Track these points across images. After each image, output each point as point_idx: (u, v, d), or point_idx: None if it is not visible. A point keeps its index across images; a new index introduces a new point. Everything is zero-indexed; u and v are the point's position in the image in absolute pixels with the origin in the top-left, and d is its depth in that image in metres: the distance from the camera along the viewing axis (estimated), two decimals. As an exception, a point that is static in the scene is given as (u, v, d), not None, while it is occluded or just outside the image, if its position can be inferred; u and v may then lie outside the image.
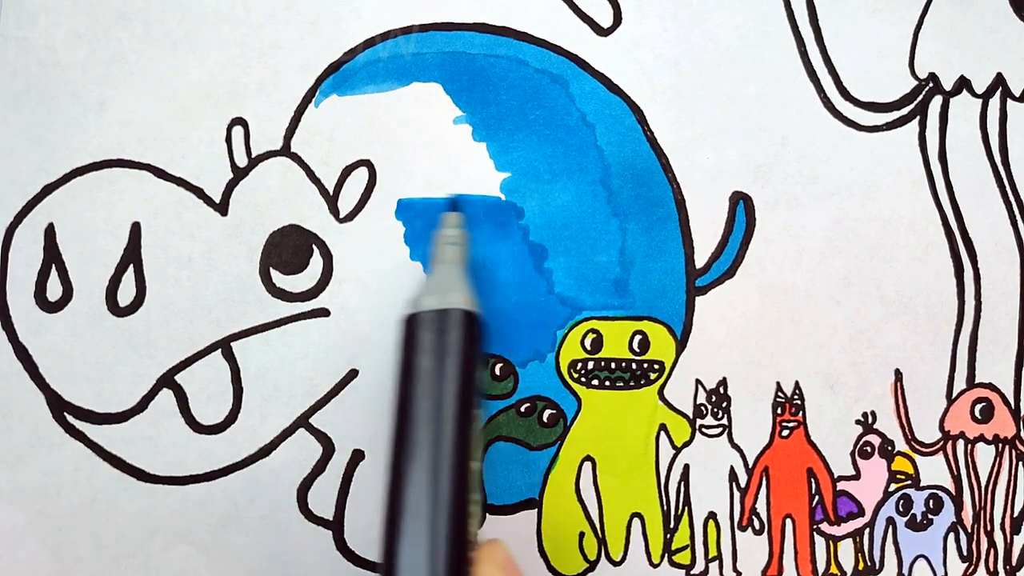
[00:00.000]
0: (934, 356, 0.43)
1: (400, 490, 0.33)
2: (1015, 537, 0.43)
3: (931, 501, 0.42)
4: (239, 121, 0.40)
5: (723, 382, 0.41)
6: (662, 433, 0.41)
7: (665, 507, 0.41)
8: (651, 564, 0.41)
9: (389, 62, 0.41)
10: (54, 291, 0.39)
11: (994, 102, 0.43)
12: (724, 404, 0.41)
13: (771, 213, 0.42)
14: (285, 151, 0.40)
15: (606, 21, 0.42)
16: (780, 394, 0.42)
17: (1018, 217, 0.43)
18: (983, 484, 0.43)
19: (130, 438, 0.39)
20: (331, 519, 0.39)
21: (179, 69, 0.40)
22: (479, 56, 0.41)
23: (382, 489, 0.34)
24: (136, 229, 0.40)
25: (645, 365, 0.41)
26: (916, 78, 0.43)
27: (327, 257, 0.40)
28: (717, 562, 0.41)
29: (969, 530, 0.43)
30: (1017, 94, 0.44)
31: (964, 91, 0.43)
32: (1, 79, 0.39)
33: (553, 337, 0.41)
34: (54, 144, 0.39)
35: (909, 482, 0.42)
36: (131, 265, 0.39)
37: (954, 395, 0.43)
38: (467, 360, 0.35)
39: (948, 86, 0.43)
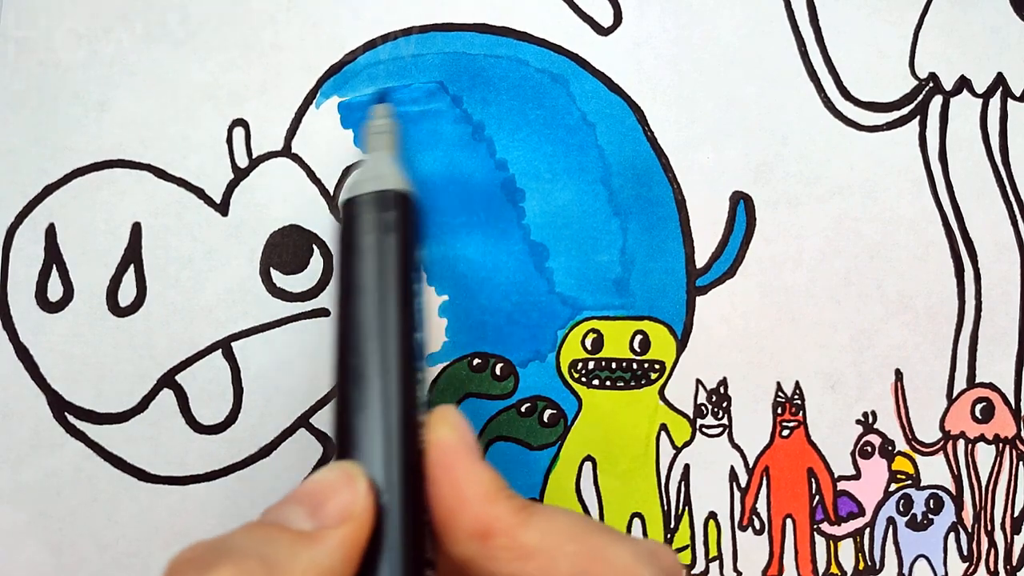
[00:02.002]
0: (934, 356, 0.43)
1: (348, 360, 0.33)
2: (1015, 537, 0.43)
3: (931, 501, 0.42)
4: (240, 122, 0.40)
5: (723, 382, 0.42)
6: (662, 433, 0.41)
7: (665, 507, 0.41)
8: (652, 564, 0.41)
9: (390, 63, 0.41)
10: (55, 291, 0.39)
11: (994, 102, 0.43)
12: (724, 404, 0.41)
13: (771, 213, 0.42)
14: (286, 152, 0.40)
15: (606, 21, 0.42)
16: (780, 394, 0.42)
17: (1018, 217, 0.43)
18: (983, 484, 0.43)
19: (131, 438, 0.39)
20: (331, 519, 0.39)
21: (180, 70, 0.40)
22: (479, 56, 0.41)
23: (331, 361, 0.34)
24: (137, 229, 0.40)
25: (646, 365, 0.41)
26: (916, 78, 0.43)
27: (327, 257, 0.40)
28: (717, 562, 0.41)
29: (969, 530, 0.43)
30: (1017, 94, 0.44)
31: (964, 91, 0.43)
32: (1, 79, 0.39)
33: (554, 337, 0.41)
34: (55, 144, 0.39)
35: (909, 482, 0.42)
36: (132, 265, 0.39)
37: (954, 395, 0.43)
38: (406, 236, 0.35)
39: (948, 86, 0.43)
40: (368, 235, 0.35)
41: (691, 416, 0.41)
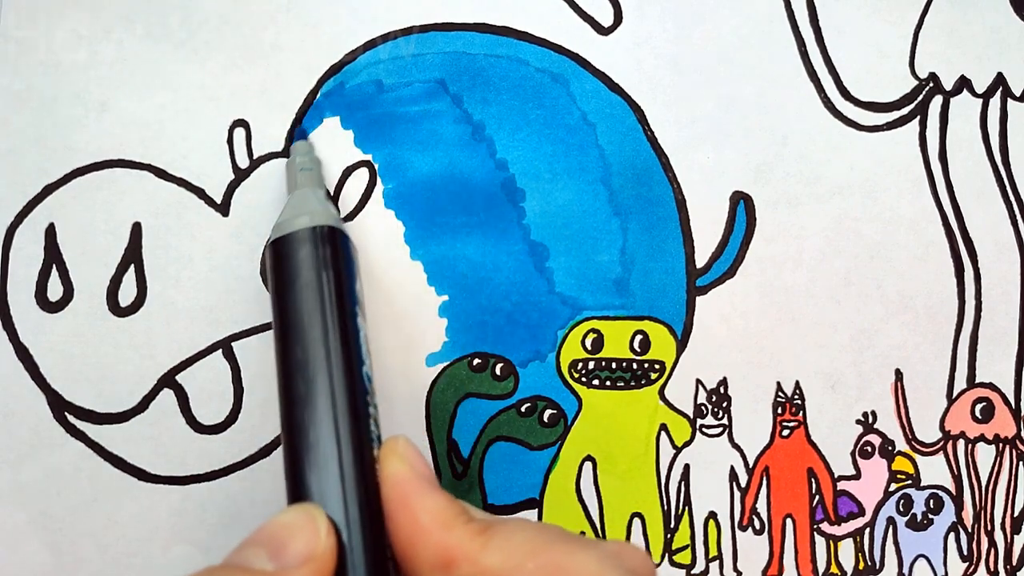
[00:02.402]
0: (934, 356, 0.43)
1: (294, 402, 0.33)
2: (1015, 537, 0.43)
3: (931, 501, 0.42)
4: (241, 122, 0.40)
5: (723, 382, 0.42)
6: (662, 433, 0.41)
7: (665, 507, 0.41)
8: (652, 564, 0.41)
9: (390, 63, 0.41)
10: (55, 291, 0.39)
11: (994, 102, 0.43)
12: (724, 404, 0.41)
13: (771, 213, 0.42)
14: (286, 152, 0.40)
15: (607, 20, 0.42)
16: (780, 394, 0.42)
17: (1018, 217, 0.43)
18: (983, 484, 0.43)
19: (131, 438, 0.39)
20: (331, 519, 0.39)
21: (181, 70, 0.40)
22: (479, 56, 0.41)
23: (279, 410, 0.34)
24: (137, 229, 0.40)
25: (646, 365, 0.41)
26: (916, 78, 0.43)
27: (328, 257, 0.40)
28: (717, 562, 0.41)
29: (969, 530, 0.43)
30: (1018, 94, 0.44)
31: (964, 91, 0.43)
32: (2, 79, 0.39)
33: (554, 337, 0.41)
34: (55, 144, 0.39)
35: (909, 482, 0.42)
36: (132, 265, 0.39)
37: (954, 395, 0.43)
38: (341, 270, 0.35)
39: (948, 86, 0.43)
40: (305, 273, 0.35)
41: (691, 416, 0.41)
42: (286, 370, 0.34)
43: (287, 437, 0.33)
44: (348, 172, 0.40)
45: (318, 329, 0.34)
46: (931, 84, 0.43)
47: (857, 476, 0.42)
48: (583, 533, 0.41)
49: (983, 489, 0.43)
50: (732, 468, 0.41)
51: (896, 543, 0.42)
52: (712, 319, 0.41)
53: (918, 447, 0.42)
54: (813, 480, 0.42)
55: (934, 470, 0.42)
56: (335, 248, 0.35)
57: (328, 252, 0.35)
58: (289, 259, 0.35)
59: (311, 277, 0.35)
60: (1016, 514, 0.43)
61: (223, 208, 0.40)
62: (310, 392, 0.33)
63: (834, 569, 0.42)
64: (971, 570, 0.42)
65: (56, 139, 0.39)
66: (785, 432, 0.42)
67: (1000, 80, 0.44)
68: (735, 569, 0.41)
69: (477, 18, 0.41)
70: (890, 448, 0.42)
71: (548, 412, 0.41)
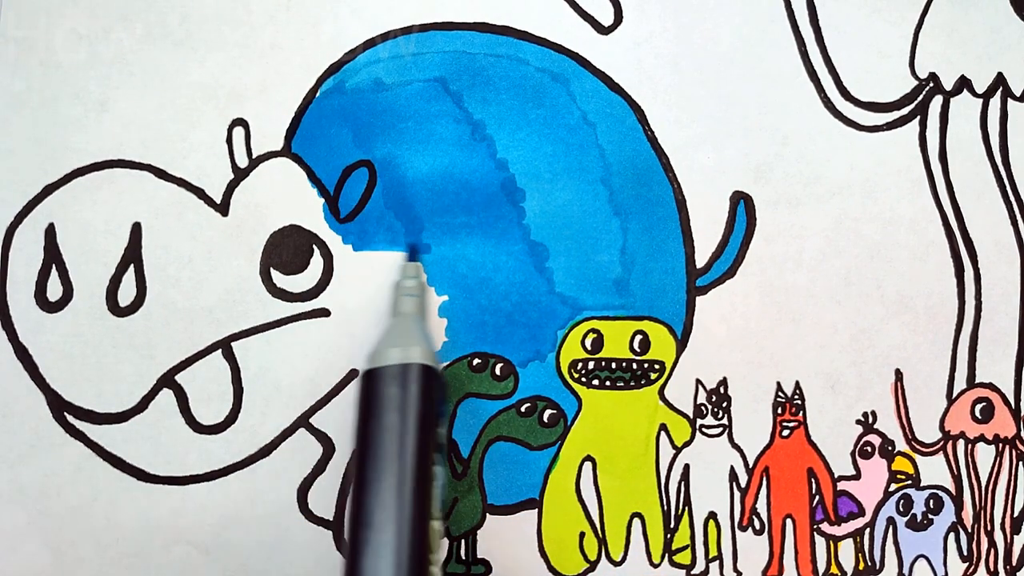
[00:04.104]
0: (934, 356, 0.43)
1: (362, 550, 0.33)
2: (1015, 537, 0.43)
3: (931, 501, 0.42)
4: (240, 122, 0.40)
5: (723, 382, 0.41)
6: (662, 433, 0.41)
7: (665, 507, 0.41)
8: (651, 564, 0.41)
9: (389, 62, 0.41)
10: (54, 291, 0.39)
11: (994, 102, 0.43)
12: (724, 404, 0.41)
13: (771, 213, 0.42)
14: (286, 152, 0.40)
15: (607, 20, 0.42)
16: (780, 394, 0.42)
17: (1018, 217, 0.43)
18: (983, 484, 0.43)
19: (130, 438, 0.39)
20: (331, 519, 0.39)
21: (180, 70, 0.40)
22: (479, 55, 0.41)
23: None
24: (137, 229, 0.40)
25: (645, 365, 0.41)
26: (916, 78, 0.43)
27: (327, 257, 0.40)
28: (717, 562, 0.41)
29: (969, 530, 0.43)
30: (1018, 94, 0.44)
31: (964, 91, 0.43)
32: (2, 79, 0.39)
33: (553, 337, 0.41)
34: (55, 144, 0.39)
35: (909, 482, 0.42)
36: (131, 265, 0.39)
37: (954, 395, 0.43)
38: (427, 416, 0.35)
39: (948, 86, 0.43)
40: (389, 415, 0.35)
41: (691, 416, 0.41)
42: (357, 509, 0.34)
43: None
44: (348, 172, 0.40)
45: (393, 479, 0.34)
46: (931, 84, 0.43)
47: (857, 476, 0.42)
48: (583, 533, 0.41)
49: (983, 489, 0.43)
50: (732, 468, 0.41)
51: (896, 543, 0.42)
52: (712, 319, 0.41)
53: (918, 447, 0.42)
54: (813, 480, 0.42)
55: (934, 470, 0.42)
56: (424, 390, 0.36)
57: (416, 394, 0.35)
58: (376, 395, 0.35)
59: (395, 421, 0.35)
60: (1016, 514, 0.43)
61: (223, 208, 0.40)
62: (376, 539, 0.33)
63: (834, 569, 0.42)
64: (971, 570, 0.42)
65: (56, 139, 0.39)
66: (785, 432, 0.42)
67: (1000, 80, 0.43)
68: (735, 569, 0.41)
69: (477, 17, 0.41)
70: (890, 448, 0.42)
71: (548, 412, 0.41)
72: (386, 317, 0.40)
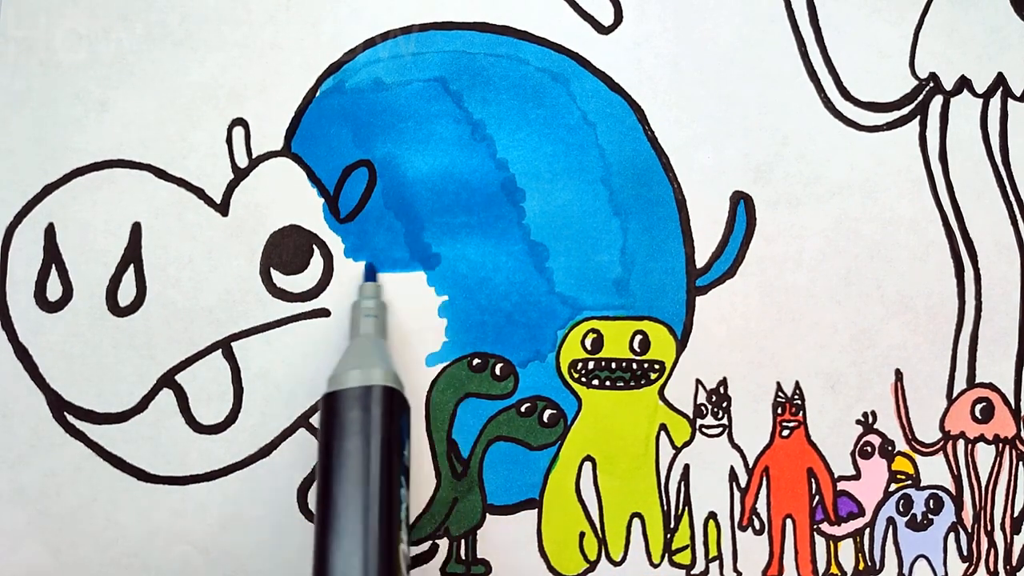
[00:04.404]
0: (934, 356, 0.43)
1: (328, 567, 0.33)
2: (1015, 537, 0.43)
3: (931, 501, 0.42)
4: (240, 121, 0.40)
5: (723, 382, 0.41)
6: (662, 433, 0.41)
7: (665, 507, 0.41)
8: (651, 564, 0.41)
9: (389, 62, 0.41)
10: (54, 291, 0.39)
11: (995, 102, 0.43)
12: (724, 404, 0.41)
13: (771, 213, 0.42)
14: (286, 151, 0.40)
15: (607, 20, 0.42)
16: (780, 394, 0.42)
17: (1018, 217, 0.43)
18: (983, 484, 0.43)
19: (130, 438, 0.39)
20: (331, 519, 0.39)
21: (180, 69, 0.40)
22: (479, 55, 0.41)
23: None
24: (136, 229, 0.40)
25: (645, 365, 0.41)
26: (916, 78, 0.43)
27: (327, 257, 0.40)
28: (717, 562, 0.41)
29: (969, 530, 0.43)
30: (1018, 94, 0.44)
31: (965, 91, 0.43)
32: (2, 79, 0.39)
33: (553, 337, 0.41)
34: (54, 144, 0.39)
35: (909, 482, 0.42)
36: (131, 265, 0.39)
37: (954, 395, 0.43)
38: (390, 439, 0.35)
39: (948, 86, 0.43)
40: (351, 439, 0.35)
41: (691, 416, 0.41)
42: (322, 534, 0.34)
43: None
44: (348, 172, 0.40)
45: (358, 503, 0.34)
46: (931, 84, 0.43)
47: (857, 476, 0.42)
48: (583, 533, 0.41)
49: (983, 489, 0.43)
50: (732, 468, 0.41)
51: (896, 543, 0.42)
52: (712, 319, 0.41)
53: (918, 447, 0.42)
54: (813, 480, 0.42)
55: (934, 470, 0.42)
56: (387, 412, 0.35)
57: (378, 417, 0.35)
58: (338, 417, 0.35)
59: (358, 444, 0.35)
60: (1016, 514, 0.43)
61: (222, 208, 0.40)
62: (341, 569, 0.33)
63: (834, 569, 0.42)
64: (971, 570, 0.42)
65: (56, 139, 0.39)
66: (785, 432, 0.42)
67: (1000, 80, 0.43)
68: (735, 569, 0.41)
69: (477, 17, 0.41)
70: (890, 448, 0.42)
71: (548, 412, 0.41)
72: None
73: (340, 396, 0.35)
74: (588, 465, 0.41)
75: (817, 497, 0.42)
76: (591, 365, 0.41)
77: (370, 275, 0.40)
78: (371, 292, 0.39)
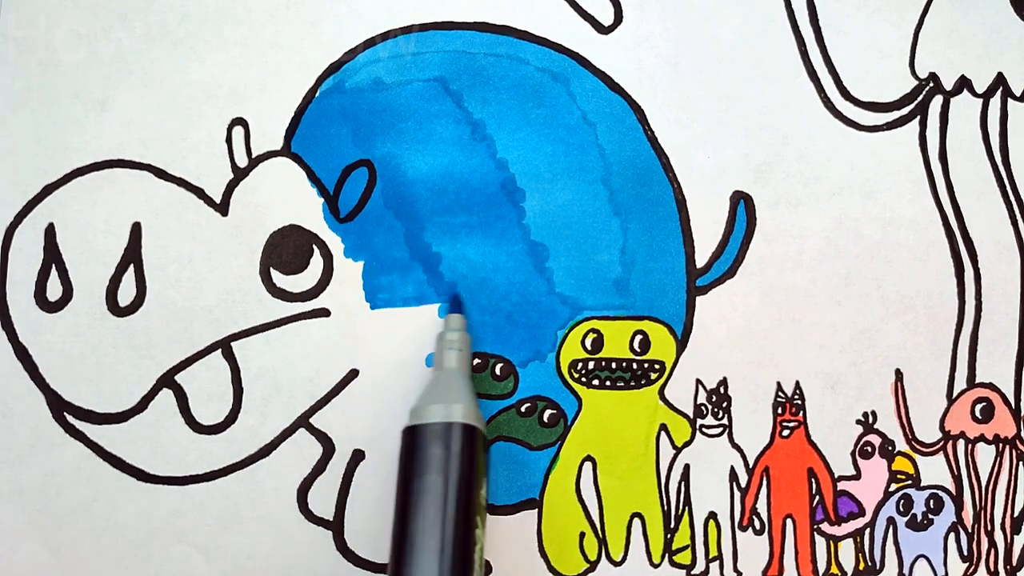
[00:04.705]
0: (934, 356, 0.43)
1: None
2: (1015, 537, 0.43)
3: (931, 501, 0.42)
4: (239, 121, 0.40)
5: (723, 382, 0.41)
6: (662, 433, 0.41)
7: (665, 507, 0.41)
8: (652, 564, 0.41)
9: (389, 62, 0.41)
10: (54, 291, 0.39)
11: (995, 102, 0.43)
12: (724, 404, 0.41)
13: (771, 213, 0.42)
14: (285, 151, 0.40)
15: (607, 19, 0.42)
16: (780, 394, 0.42)
17: (1018, 217, 0.43)
18: (983, 484, 0.43)
19: (130, 438, 0.39)
20: (331, 519, 0.39)
21: (180, 69, 0.40)
22: (479, 55, 0.41)
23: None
24: (136, 229, 0.40)
25: (646, 365, 0.41)
26: (916, 78, 0.43)
27: (327, 257, 0.40)
28: (718, 562, 0.41)
29: (969, 530, 0.43)
30: (1018, 94, 0.44)
31: (964, 91, 0.43)
32: (1, 79, 0.39)
33: (554, 337, 0.41)
34: (54, 144, 0.39)
35: (909, 482, 0.42)
36: (131, 265, 0.39)
37: (954, 395, 0.43)
38: (469, 478, 0.35)
39: (948, 86, 0.43)
40: (431, 475, 0.35)
41: (691, 416, 0.41)
42: (398, 569, 0.34)
43: None
44: (347, 171, 0.40)
45: (434, 542, 0.34)
46: (931, 84, 0.43)
47: (857, 476, 0.42)
48: (583, 533, 0.41)
49: (983, 489, 0.43)
50: (732, 468, 0.41)
51: (896, 543, 0.42)
52: (712, 319, 0.41)
53: (918, 447, 0.42)
54: (813, 480, 0.42)
55: (934, 470, 0.42)
56: (467, 450, 0.35)
57: (458, 455, 0.35)
58: (417, 453, 0.35)
59: (437, 482, 0.35)
60: (1016, 514, 0.43)
61: (222, 208, 0.40)
62: None
63: (834, 569, 0.42)
64: (971, 570, 0.42)
65: (55, 139, 0.39)
66: (785, 432, 0.42)
67: (1000, 80, 0.43)
68: (735, 569, 0.41)
69: (477, 17, 0.41)
70: (890, 448, 0.42)
71: (548, 412, 0.41)
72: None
73: (421, 431, 0.35)
74: (588, 465, 0.41)
75: (817, 497, 0.42)
76: (591, 365, 0.41)
77: (455, 307, 0.40)
78: (456, 324, 0.39)
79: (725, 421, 0.41)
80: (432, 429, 0.35)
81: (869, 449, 0.42)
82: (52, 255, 0.39)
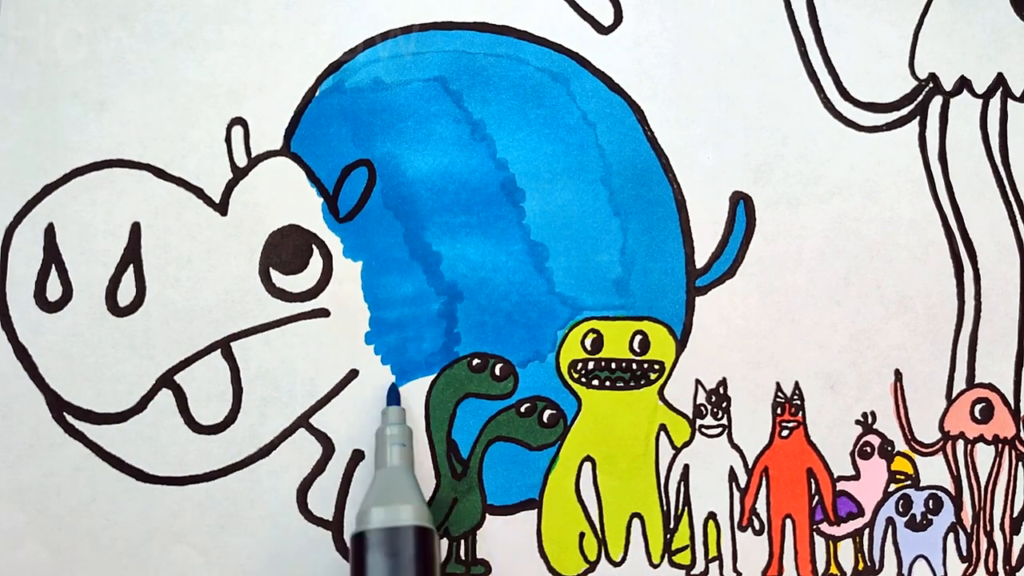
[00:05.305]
0: (934, 356, 0.43)
1: None
2: (1015, 537, 0.43)
3: (931, 501, 0.42)
4: (239, 121, 0.40)
5: (723, 382, 0.41)
6: (662, 433, 0.41)
7: (665, 507, 0.41)
8: (651, 564, 0.41)
9: (389, 62, 0.41)
10: (54, 291, 0.39)
11: (994, 102, 0.43)
12: (724, 404, 0.41)
13: (771, 213, 0.42)
14: (285, 151, 0.40)
15: (607, 19, 0.42)
16: (780, 394, 0.42)
17: (1018, 217, 0.43)
18: (983, 484, 0.43)
19: (130, 438, 0.39)
20: (331, 519, 0.39)
21: (179, 69, 0.40)
22: (479, 55, 0.41)
23: None
24: (136, 229, 0.40)
25: (645, 365, 0.41)
26: (916, 78, 0.43)
27: (326, 257, 0.40)
28: (717, 562, 0.41)
29: (969, 530, 0.43)
30: (1017, 94, 0.44)
31: (964, 91, 0.43)
32: (1, 79, 0.39)
33: (553, 337, 0.41)
34: (54, 144, 0.39)
35: (909, 482, 0.42)
36: (131, 265, 0.39)
37: (954, 395, 0.43)
38: None
39: (948, 86, 0.43)
40: None
41: (691, 416, 0.41)
42: None
43: None
44: (347, 171, 0.40)
45: None
46: (931, 84, 0.43)
47: (856, 476, 0.42)
48: (583, 533, 0.41)
49: (982, 489, 0.43)
50: (732, 468, 0.41)
51: (896, 543, 0.42)
52: (712, 319, 0.41)
53: (917, 447, 0.42)
54: (813, 480, 0.42)
55: (933, 470, 0.43)
56: (418, 555, 0.34)
57: (409, 561, 0.34)
58: (364, 563, 0.34)
59: None
60: (1015, 514, 0.43)
61: (222, 207, 0.40)
62: None
63: (833, 570, 0.42)
64: (970, 570, 0.42)
65: (55, 139, 0.39)
66: (784, 432, 0.42)
67: (1000, 80, 0.43)
68: (735, 569, 0.41)
69: (477, 17, 0.41)
70: (889, 448, 0.42)
71: (548, 412, 0.41)
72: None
73: (368, 537, 0.34)
74: (588, 465, 0.41)
75: (817, 497, 0.42)
76: (591, 365, 0.41)
77: (393, 399, 0.39)
78: (396, 418, 0.39)
79: (724, 421, 0.41)
80: (380, 535, 0.34)
81: (868, 449, 0.42)
82: (52, 255, 0.39)
